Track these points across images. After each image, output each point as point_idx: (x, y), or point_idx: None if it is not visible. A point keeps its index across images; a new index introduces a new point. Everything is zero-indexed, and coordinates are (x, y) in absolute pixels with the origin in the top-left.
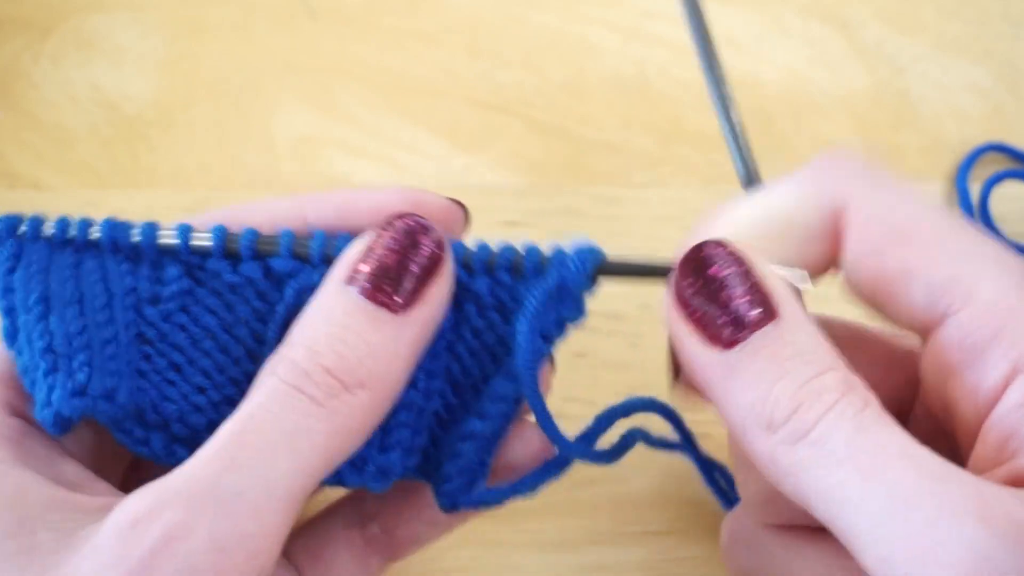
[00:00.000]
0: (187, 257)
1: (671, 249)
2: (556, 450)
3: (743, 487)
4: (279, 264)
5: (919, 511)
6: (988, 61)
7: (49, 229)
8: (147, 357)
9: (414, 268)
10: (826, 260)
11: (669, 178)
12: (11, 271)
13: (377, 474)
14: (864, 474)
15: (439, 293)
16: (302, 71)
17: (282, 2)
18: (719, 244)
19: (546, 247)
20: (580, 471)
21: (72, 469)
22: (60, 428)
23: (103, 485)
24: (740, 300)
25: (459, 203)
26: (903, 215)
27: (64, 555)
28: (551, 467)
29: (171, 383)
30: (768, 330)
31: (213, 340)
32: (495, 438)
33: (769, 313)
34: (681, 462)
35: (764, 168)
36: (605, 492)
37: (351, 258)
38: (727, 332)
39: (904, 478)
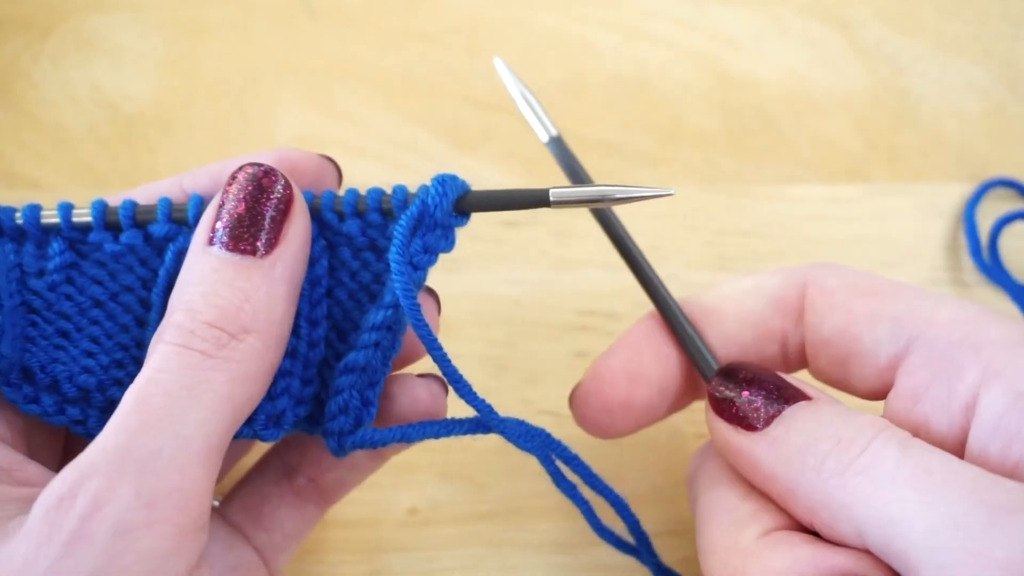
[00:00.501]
0: (69, 233)
1: (673, 249)
2: (445, 409)
3: None
4: (157, 229)
5: (972, 516)
6: (988, 61)
7: None
8: (34, 324)
9: (266, 211)
10: (791, 325)
11: (669, 178)
12: None
13: (268, 423)
14: (917, 490)
15: (297, 228)
16: (302, 71)
17: (282, 2)
18: (742, 362)
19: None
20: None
21: (1, 454)
22: None
23: (35, 468)
24: (764, 394)
25: (330, 159)
26: (863, 279)
27: None
28: (449, 425)
29: (60, 348)
30: (801, 405)
31: (100, 308)
32: (375, 372)
33: (802, 396)
34: (681, 463)
35: (764, 168)
36: None
37: (207, 220)
38: (763, 415)
39: (954, 489)
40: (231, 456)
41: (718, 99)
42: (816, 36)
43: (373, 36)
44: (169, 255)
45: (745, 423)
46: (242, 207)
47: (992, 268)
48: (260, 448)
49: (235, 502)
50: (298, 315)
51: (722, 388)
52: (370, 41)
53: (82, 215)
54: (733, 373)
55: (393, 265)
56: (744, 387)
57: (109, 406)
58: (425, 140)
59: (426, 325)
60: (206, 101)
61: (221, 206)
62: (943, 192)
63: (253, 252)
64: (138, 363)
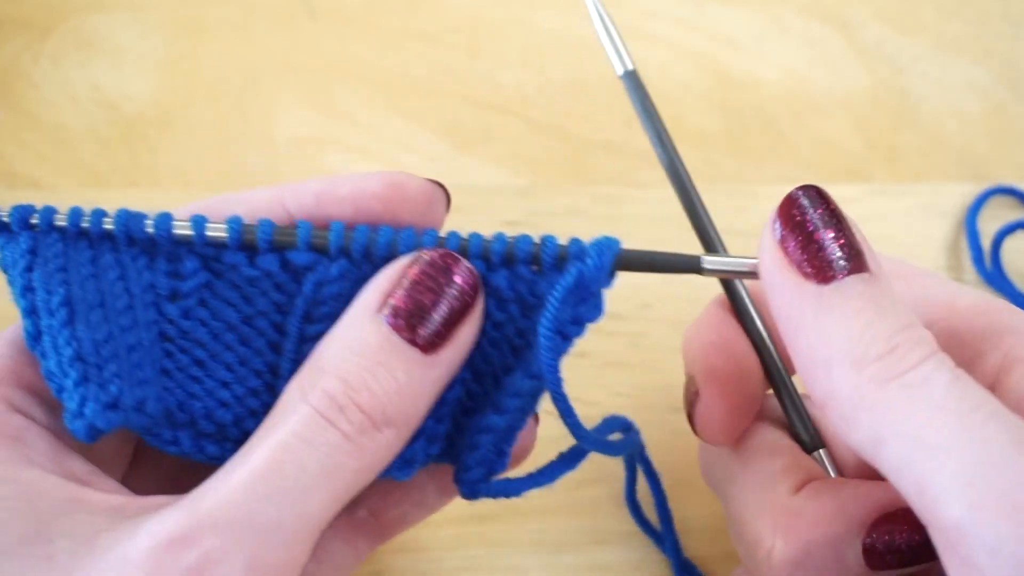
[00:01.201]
0: (203, 249)
1: (673, 249)
2: (535, 437)
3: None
4: (297, 258)
5: (1016, 465)
6: (988, 61)
7: (61, 220)
8: (170, 355)
9: (446, 307)
10: None
11: None
12: (29, 268)
13: (402, 464)
14: (962, 422)
15: (468, 335)
16: (302, 71)
17: (282, 2)
18: (818, 191)
19: (563, 239)
20: (581, 471)
21: (79, 465)
22: (92, 438)
23: (110, 481)
24: (838, 243)
25: (440, 184)
26: (888, 262)
27: (86, 563)
28: (568, 460)
29: (195, 379)
30: (865, 276)
31: (234, 333)
32: (512, 431)
33: (864, 264)
34: (681, 463)
35: (764, 168)
36: (605, 492)
37: (382, 287)
38: (825, 268)
39: (1000, 431)
40: None
41: (718, 99)
42: (816, 36)
43: (373, 36)
44: (309, 286)
45: (801, 265)
46: (428, 297)
47: (994, 276)
48: None
49: None
50: None
51: (784, 220)
52: (370, 41)
53: (215, 230)
54: (799, 205)
55: (542, 340)
56: (823, 223)
57: (243, 437)
58: (425, 140)
59: (566, 399)
60: (206, 101)
61: (401, 280)
62: (943, 192)
63: (422, 347)
64: (272, 392)
